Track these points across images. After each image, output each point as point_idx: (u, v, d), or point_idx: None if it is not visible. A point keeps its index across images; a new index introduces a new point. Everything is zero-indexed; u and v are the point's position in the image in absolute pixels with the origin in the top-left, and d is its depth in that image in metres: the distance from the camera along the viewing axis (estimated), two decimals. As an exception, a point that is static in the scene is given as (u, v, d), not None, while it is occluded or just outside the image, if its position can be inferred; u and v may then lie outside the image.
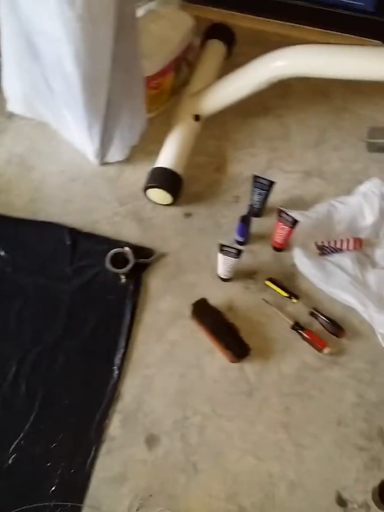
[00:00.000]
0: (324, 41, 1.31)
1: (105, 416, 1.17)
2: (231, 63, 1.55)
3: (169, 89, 1.60)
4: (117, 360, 1.23)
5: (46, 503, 1.09)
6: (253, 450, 1.15)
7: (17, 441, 1.15)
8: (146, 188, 1.42)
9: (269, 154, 1.57)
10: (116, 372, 1.22)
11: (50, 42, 1.19)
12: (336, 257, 1.33)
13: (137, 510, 1.09)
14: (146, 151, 1.55)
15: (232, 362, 1.23)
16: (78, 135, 1.47)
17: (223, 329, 1.25)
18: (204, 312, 1.27)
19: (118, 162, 1.54)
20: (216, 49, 1.67)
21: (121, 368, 1.22)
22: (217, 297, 1.31)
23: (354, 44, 1.28)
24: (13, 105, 1.57)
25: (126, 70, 1.30)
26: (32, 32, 1.22)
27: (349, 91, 1.65)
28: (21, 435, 1.15)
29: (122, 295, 1.32)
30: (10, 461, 1.13)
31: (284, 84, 1.39)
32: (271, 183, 1.32)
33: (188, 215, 1.46)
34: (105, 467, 1.13)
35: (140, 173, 1.50)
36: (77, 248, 1.39)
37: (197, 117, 1.53)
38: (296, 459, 1.14)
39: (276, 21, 1.66)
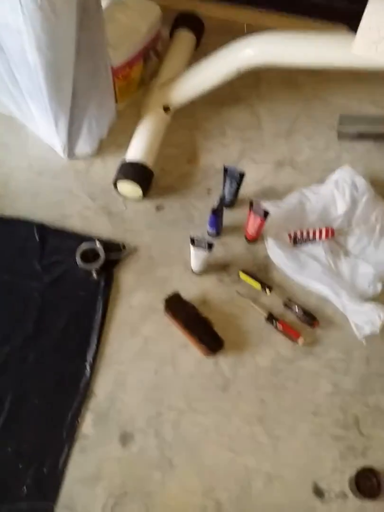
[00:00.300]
0: (292, 28, 1.28)
1: (77, 414, 1.15)
2: (201, 53, 1.53)
3: (137, 80, 1.58)
4: (89, 357, 1.21)
5: (19, 504, 1.07)
6: (229, 444, 1.15)
7: (-13, 443, 1.13)
8: (116, 182, 1.40)
9: (240, 144, 1.55)
10: (88, 369, 1.20)
11: (12, 33, 1.15)
12: (309, 247, 1.33)
13: (112, 508, 1.08)
14: (116, 143, 1.52)
15: (207, 356, 1.22)
16: (45, 128, 1.44)
17: (197, 323, 1.24)
18: (177, 307, 1.26)
19: (88, 155, 1.51)
20: (185, 38, 1.64)
21: (93, 365, 1.21)
22: (190, 290, 1.29)
23: (321, 30, 1.27)
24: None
25: (91, 60, 1.28)
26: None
27: (319, 80, 1.63)
28: (-9, 436, 1.13)
29: (94, 291, 1.30)
30: (-20, 463, 1.11)
31: (255, 73, 1.37)
32: (242, 174, 1.31)
33: (159, 208, 1.44)
34: (78, 466, 1.11)
35: (110, 166, 1.47)
36: (47, 244, 1.36)
37: (167, 108, 1.51)
38: (272, 451, 1.14)
39: (242, 8, 1.64)
